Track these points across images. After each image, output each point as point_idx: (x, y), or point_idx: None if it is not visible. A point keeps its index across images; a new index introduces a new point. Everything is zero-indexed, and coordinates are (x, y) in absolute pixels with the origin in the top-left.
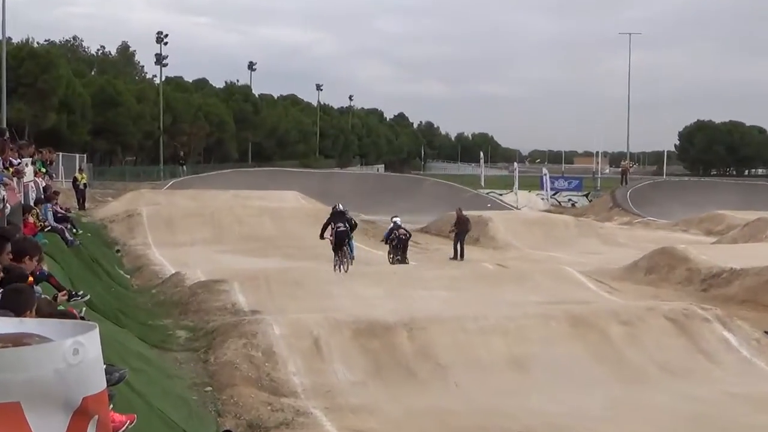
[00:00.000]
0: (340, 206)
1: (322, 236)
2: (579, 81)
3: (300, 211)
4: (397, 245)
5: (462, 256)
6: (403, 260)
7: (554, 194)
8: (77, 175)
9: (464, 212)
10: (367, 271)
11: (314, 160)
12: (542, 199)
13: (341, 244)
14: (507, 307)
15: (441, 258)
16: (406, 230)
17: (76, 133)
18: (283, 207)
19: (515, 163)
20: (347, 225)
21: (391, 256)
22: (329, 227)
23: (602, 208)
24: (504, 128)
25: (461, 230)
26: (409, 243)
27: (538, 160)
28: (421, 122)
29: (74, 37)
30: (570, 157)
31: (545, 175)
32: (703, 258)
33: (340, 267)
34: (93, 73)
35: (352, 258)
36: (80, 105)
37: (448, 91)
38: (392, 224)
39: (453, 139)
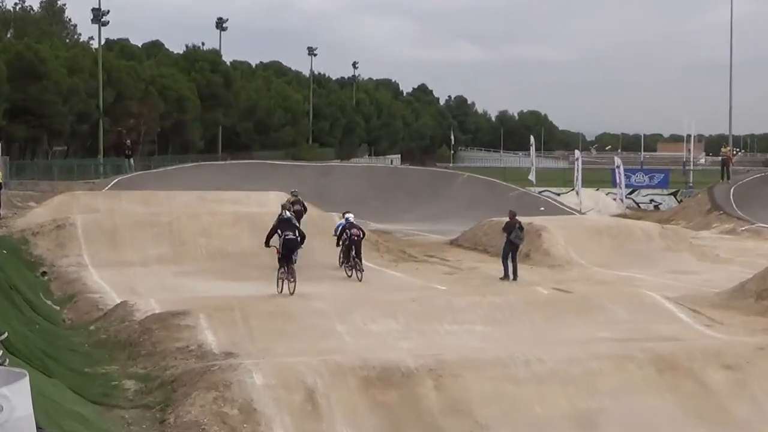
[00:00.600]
0: (286, 213)
1: (267, 244)
2: (663, 40)
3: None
4: (349, 246)
5: (515, 274)
6: (356, 266)
7: (630, 193)
8: None
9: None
10: (379, 299)
11: (306, 149)
12: (614, 199)
13: (289, 255)
14: (568, 347)
15: (478, 279)
16: (360, 229)
17: None
18: (265, 213)
19: (577, 152)
20: (297, 234)
21: (342, 261)
22: (275, 235)
23: (697, 212)
24: (562, 104)
25: (513, 240)
26: (435, 259)
27: (609, 147)
28: (449, 97)
29: None
30: (651, 143)
31: (618, 167)
32: None
33: (286, 284)
34: (8, 35)
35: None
36: None
37: (485, 56)
38: (344, 221)
39: (493, 119)
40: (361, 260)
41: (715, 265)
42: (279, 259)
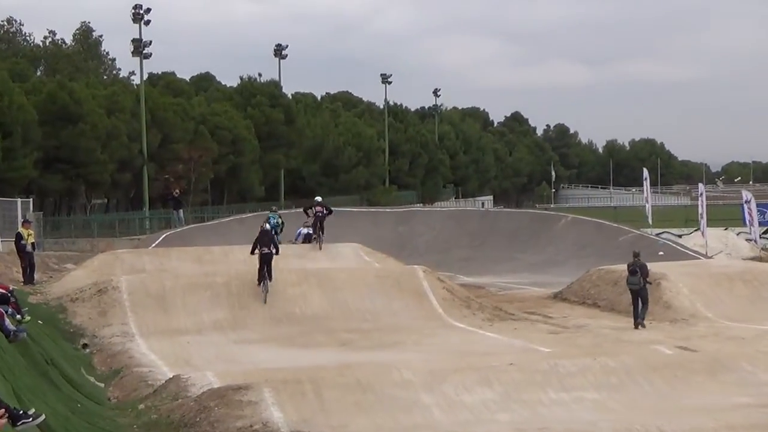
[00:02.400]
0: (267, 226)
1: (252, 252)
2: None
3: (364, 274)
4: (315, 221)
5: (636, 321)
6: (319, 236)
7: (766, 232)
8: (21, 230)
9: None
10: (473, 364)
11: (382, 192)
12: (748, 240)
13: (264, 268)
14: (697, 416)
15: (588, 339)
16: (325, 207)
17: (15, 165)
18: (338, 268)
19: (701, 186)
20: (272, 248)
21: (314, 236)
22: (257, 248)
23: None
24: (681, 131)
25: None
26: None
27: (738, 179)
28: (548, 127)
29: (8, 20)
30: None
31: (748, 201)
32: None
33: (263, 290)
34: (39, 72)
35: (271, 278)
36: (20, 122)
37: (589, 77)
38: (305, 230)
39: (600, 150)
40: (323, 232)
41: None
42: (258, 269)
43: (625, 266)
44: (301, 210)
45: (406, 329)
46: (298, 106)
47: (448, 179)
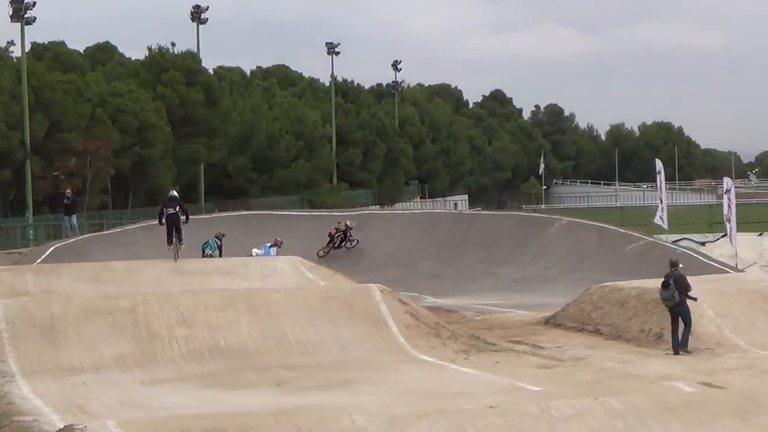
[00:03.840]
0: (173, 192)
1: (160, 222)
2: None
3: (305, 295)
4: (169, 225)
5: (682, 344)
6: (176, 244)
7: None
8: None
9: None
10: (443, 408)
11: (329, 191)
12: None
13: (171, 229)
14: None
15: (588, 374)
16: (178, 203)
17: None
18: (273, 288)
19: (728, 181)
20: (179, 209)
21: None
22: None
23: None
24: (704, 112)
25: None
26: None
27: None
28: (537, 108)
29: None
30: None
31: None
32: None
33: (173, 252)
34: None
35: (181, 241)
36: None
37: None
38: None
39: (603, 137)
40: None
41: None
42: (167, 233)
43: (637, 281)
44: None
45: (358, 364)
46: (222, 84)
47: (411, 174)
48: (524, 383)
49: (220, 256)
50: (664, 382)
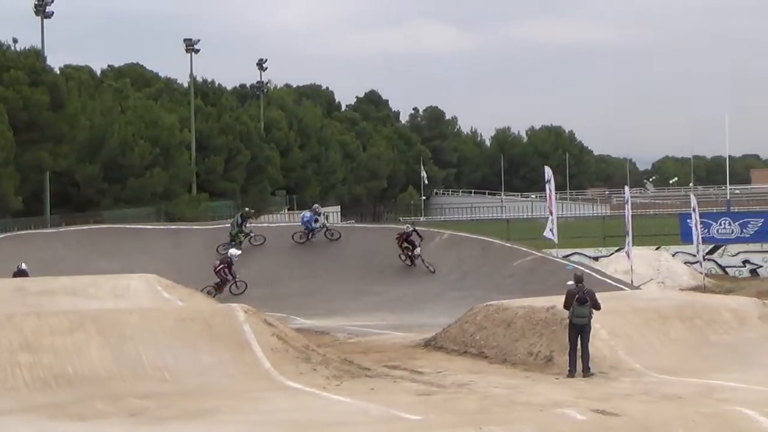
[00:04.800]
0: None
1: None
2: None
3: (162, 317)
4: None
5: (585, 367)
6: None
7: (711, 251)
8: None
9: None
10: None
11: (188, 203)
12: (687, 263)
13: None
14: None
15: (472, 402)
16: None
17: None
18: (126, 309)
19: (626, 190)
20: None
21: None
22: None
23: None
24: (598, 116)
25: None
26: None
27: (674, 181)
28: (415, 111)
29: None
30: (742, 170)
31: (693, 210)
32: None
33: None
34: None
35: None
36: None
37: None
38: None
39: (487, 142)
40: None
41: None
42: None
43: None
44: None
45: (220, 392)
46: (70, 85)
47: (278, 184)
48: (402, 412)
49: (241, 235)
50: (554, 409)
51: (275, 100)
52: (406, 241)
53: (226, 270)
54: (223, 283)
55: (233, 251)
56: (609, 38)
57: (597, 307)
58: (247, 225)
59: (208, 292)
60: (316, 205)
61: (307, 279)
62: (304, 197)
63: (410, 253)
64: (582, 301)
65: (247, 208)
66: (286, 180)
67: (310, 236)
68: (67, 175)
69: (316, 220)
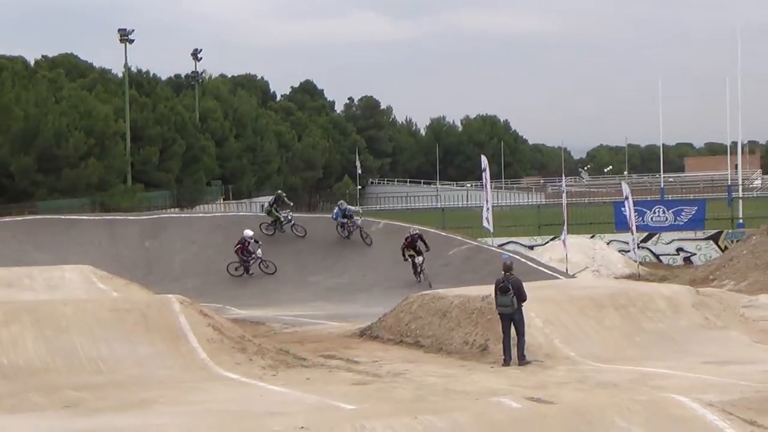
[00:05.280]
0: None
1: None
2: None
3: (97, 308)
4: None
5: (520, 355)
6: None
7: (645, 239)
8: None
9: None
10: (251, 429)
11: (123, 193)
12: (621, 251)
13: None
14: None
15: (407, 390)
16: None
17: None
18: (60, 300)
19: (562, 179)
20: None
21: None
22: None
23: (752, 264)
24: (533, 106)
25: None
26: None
27: (608, 169)
28: (350, 100)
29: None
30: (676, 158)
31: (626, 199)
32: None
33: None
34: None
35: None
36: None
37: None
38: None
39: (422, 131)
40: None
41: None
42: None
43: (460, 289)
44: None
45: (156, 383)
46: (3, 75)
47: (214, 174)
48: (338, 401)
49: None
50: (489, 397)
51: (210, 91)
52: (409, 246)
53: (241, 250)
54: (243, 262)
55: (247, 232)
56: (543, 28)
57: (521, 297)
58: (287, 212)
59: (236, 268)
60: (341, 201)
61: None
62: (239, 187)
63: (414, 261)
64: (504, 290)
65: (280, 191)
66: (221, 170)
67: (341, 230)
68: (1, 167)
69: (346, 215)
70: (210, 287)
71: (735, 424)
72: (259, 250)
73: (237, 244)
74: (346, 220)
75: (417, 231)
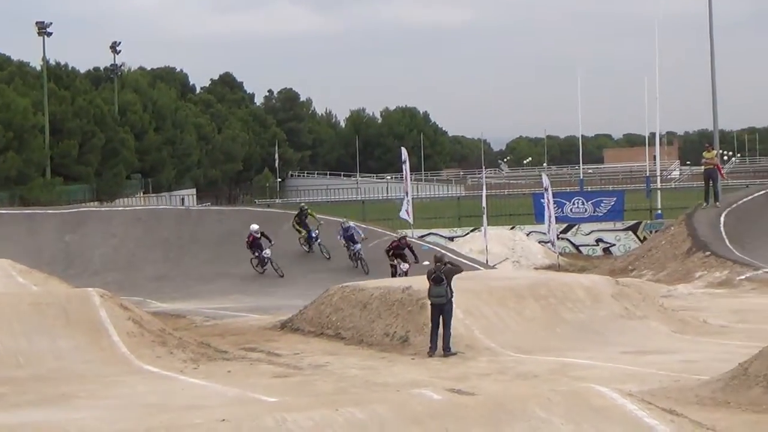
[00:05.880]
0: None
1: None
2: None
3: (16, 302)
4: None
5: (446, 346)
6: None
7: (565, 230)
8: None
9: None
10: (172, 423)
11: (42, 187)
12: (541, 242)
13: None
14: None
15: (329, 383)
16: None
17: None
18: None
19: (482, 171)
20: None
21: None
22: None
23: (670, 255)
24: (453, 98)
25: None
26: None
27: (528, 161)
28: (270, 93)
29: None
30: (595, 150)
31: (545, 190)
32: None
33: None
34: None
35: None
36: None
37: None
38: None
39: (342, 124)
40: None
41: (700, 337)
42: None
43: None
44: None
45: (77, 377)
46: None
47: (133, 167)
48: (259, 394)
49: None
50: (410, 389)
51: (129, 83)
52: (394, 252)
53: (249, 245)
54: (256, 257)
55: (253, 226)
56: (463, 19)
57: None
58: (314, 228)
59: (256, 264)
60: (344, 219)
61: (162, 262)
62: (159, 180)
63: (398, 269)
64: (437, 280)
65: (303, 204)
66: (141, 163)
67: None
68: None
69: (347, 237)
70: (131, 281)
71: (654, 414)
72: (268, 250)
73: (246, 239)
74: (345, 242)
75: (403, 234)
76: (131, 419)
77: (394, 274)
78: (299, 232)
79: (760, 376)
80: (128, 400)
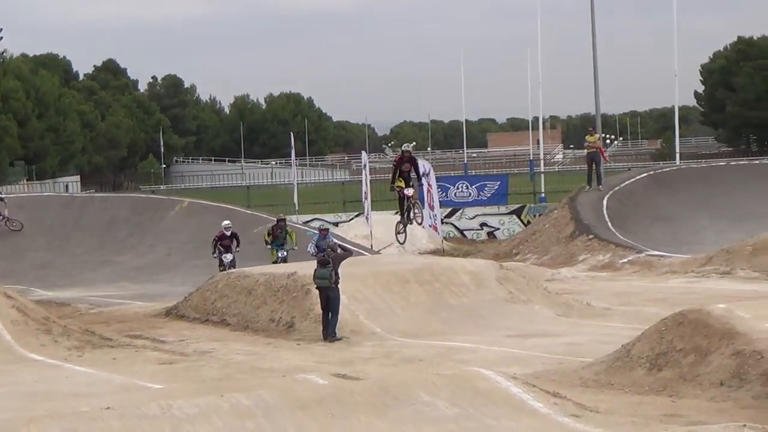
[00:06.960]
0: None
1: None
2: None
3: None
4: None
5: (330, 331)
6: None
7: (449, 215)
8: None
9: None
10: (52, 411)
11: None
12: (425, 226)
13: None
14: None
15: (214, 369)
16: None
17: None
18: None
19: (364, 155)
20: None
21: None
22: None
23: (553, 238)
24: (336, 83)
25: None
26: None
27: (413, 145)
28: (154, 79)
29: None
30: (479, 134)
31: (427, 174)
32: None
33: None
34: None
35: None
36: None
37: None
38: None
39: (227, 110)
40: None
41: (583, 320)
42: None
43: (265, 267)
44: None
45: None
46: None
47: (16, 154)
48: (145, 381)
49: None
50: (296, 375)
51: (11, 70)
52: (398, 167)
53: (214, 240)
54: (216, 257)
55: (224, 222)
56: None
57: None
58: (288, 247)
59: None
60: (319, 229)
61: (47, 250)
62: (43, 167)
63: (402, 194)
64: (323, 263)
65: (282, 215)
66: (24, 150)
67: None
68: None
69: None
70: (14, 269)
71: (538, 396)
72: (230, 255)
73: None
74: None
75: (283, 218)
76: (16, 408)
77: (402, 200)
78: (268, 244)
79: (643, 357)
80: (12, 388)
